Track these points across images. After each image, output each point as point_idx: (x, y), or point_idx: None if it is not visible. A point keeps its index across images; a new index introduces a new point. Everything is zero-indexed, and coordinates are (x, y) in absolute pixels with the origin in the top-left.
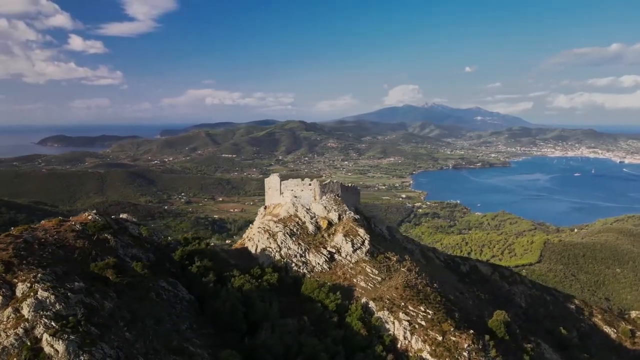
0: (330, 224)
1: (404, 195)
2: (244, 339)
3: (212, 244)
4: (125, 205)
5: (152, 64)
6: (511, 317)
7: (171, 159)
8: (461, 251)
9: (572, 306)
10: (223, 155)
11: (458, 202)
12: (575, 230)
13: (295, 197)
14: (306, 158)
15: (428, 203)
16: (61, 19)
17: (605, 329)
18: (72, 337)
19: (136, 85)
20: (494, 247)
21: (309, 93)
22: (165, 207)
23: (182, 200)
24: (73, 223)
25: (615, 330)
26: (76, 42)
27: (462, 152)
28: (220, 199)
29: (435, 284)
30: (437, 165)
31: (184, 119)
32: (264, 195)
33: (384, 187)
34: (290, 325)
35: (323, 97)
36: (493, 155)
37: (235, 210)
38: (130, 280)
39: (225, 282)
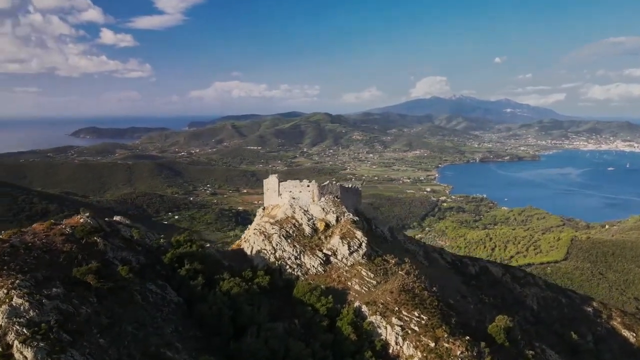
0: (327, 225)
1: (428, 189)
2: (229, 343)
3: (208, 245)
4: (152, 196)
5: (180, 57)
6: (517, 321)
7: (198, 150)
8: (485, 247)
9: (590, 309)
10: (248, 147)
11: (484, 196)
12: (607, 226)
13: (294, 198)
14: (331, 150)
15: (453, 197)
16: (93, 14)
17: (624, 333)
18: (41, 344)
19: (165, 77)
20: (519, 243)
21: (334, 85)
22: (191, 199)
23: (208, 191)
24: (63, 226)
25: (634, 335)
26: (107, 36)
27: (490, 145)
28: (245, 191)
29: (434, 288)
30: (464, 158)
31: (211, 111)
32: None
33: (408, 181)
34: (277, 329)
35: (349, 89)
36: (522, 148)
37: (260, 202)
38: (112, 285)
39: (214, 285)
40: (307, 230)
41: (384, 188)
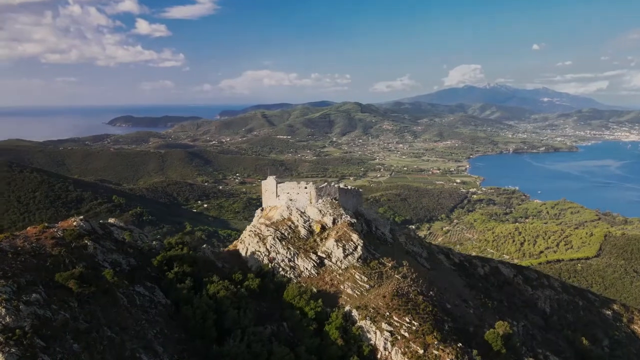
0: (323, 228)
1: (458, 180)
2: (212, 346)
3: (205, 245)
4: (182, 184)
5: (213, 46)
6: (522, 326)
7: (228, 139)
8: (513, 241)
9: (609, 312)
10: (278, 136)
11: (516, 188)
12: None
13: (291, 200)
14: (360, 140)
15: (484, 189)
16: (129, 4)
17: None
18: (13, 349)
19: (197, 67)
20: (549, 238)
21: (365, 74)
22: (220, 187)
23: (237, 180)
24: (55, 230)
25: None
26: (142, 26)
27: (525, 136)
28: None
29: (431, 292)
30: (497, 149)
31: (242, 100)
32: (316, 177)
33: (438, 172)
34: (262, 333)
35: (380, 78)
36: (559, 139)
37: None
38: (94, 290)
39: (202, 288)
40: (303, 232)
41: (412, 179)
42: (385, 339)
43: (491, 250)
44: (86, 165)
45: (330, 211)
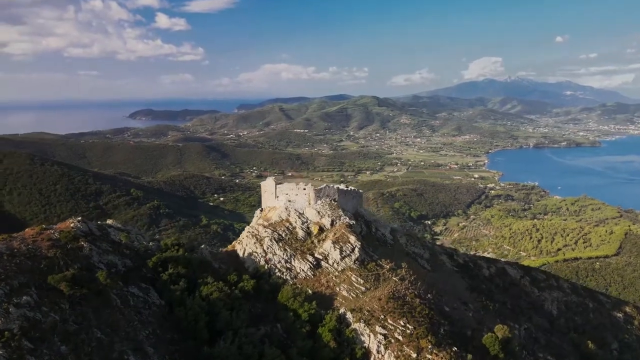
0: (321, 229)
1: (476, 175)
2: (203, 347)
3: (203, 246)
4: (199, 178)
5: (231, 40)
6: (524, 330)
7: (246, 133)
8: (530, 238)
9: (620, 314)
10: (295, 130)
11: (536, 184)
12: None
13: (290, 201)
14: (377, 134)
15: (502, 184)
16: None
17: None
18: (0, 351)
19: (216, 60)
20: (567, 235)
21: (384, 67)
22: (237, 181)
23: (253, 174)
24: (52, 231)
25: None
26: (162, 20)
27: (546, 130)
28: (290, 174)
29: (429, 295)
30: (517, 144)
31: (260, 94)
32: (332, 171)
33: (456, 166)
34: (254, 334)
35: (398, 71)
36: (581, 133)
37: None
38: (86, 292)
39: (196, 289)
40: (301, 233)
41: (429, 173)
42: (378, 342)
43: (508, 247)
44: (106, 158)
45: (329, 212)
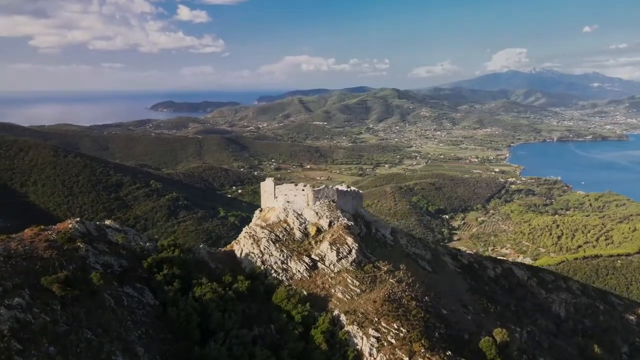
0: (319, 230)
1: (497, 169)
2: (194, 348)
3: (202, 245)
4: (218, 170)
5: (252, 32)
6: (526, 333)
7: (265, 125)
8: (550, 234)
9: (633, 317)
10: (314, 122)
11: (558, 178)
12: None
13: (288, 202)
14: (397, 127)
15: (523, 178)
16: None
17: None
18: None
19: (237, 52)
20: (589, 232)
21: (405, 59)
22: (255, 173)
23: (272, 166)
24: (50, 232)
25: None
26: (184, 12)
27: (571, 123)
28: (308, 167)
29: (426, 297)
30: (540, 137)
31: (280, 85)
32: (351, 164)
33: (476, 160)
34: (245, 336)
35: (420, 62)
36: (608, 127)
37: (322, 177)
38: (79, 293)
39: (190, 290)
40: (298, 234)
41: (449, 167)
42: (371, 344)
43: (526, 243)
44: (128, 149)
45: (327, 213)
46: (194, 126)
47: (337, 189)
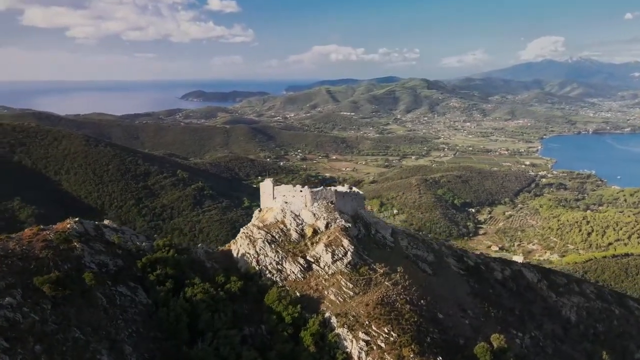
0: (315, 232)
1: (527, 162)
2: (182, 348)
3: (200, 245)
4: (244, 160)
5: (281, 21)
6: (529, 338)
7: (292, 115)
8: (580, 231)
9: None
10: (342, 112)
11: (592, 172)
12: None
13: (286, 202)
14: (425, 118)
15: (555, 172)
16: None
17: None
18: None
19: (266, 42)
20: (620, 229)
21: (435, 48)
22: (281, 163)
23: (298, 156)
24: (48, 232)
25: None
26: (214, 2)
27: (609, 115)
28: (334, 157)
29: (422, 300)
30: (574, 129)
31: (308, 75)
32: (377, 155)
33: (506, 152)
34: (233, 336)
35: (451, 52)
36: None
37: (347, 169)
38: (69, 293)
39: (182, 290)
40: (294, 235)
41: (477, 159)
42: (360, 348)
43: (554, 239)
44: (158, 139)
45: (325, 215)
46: (223, 116)
47: (336, 190)
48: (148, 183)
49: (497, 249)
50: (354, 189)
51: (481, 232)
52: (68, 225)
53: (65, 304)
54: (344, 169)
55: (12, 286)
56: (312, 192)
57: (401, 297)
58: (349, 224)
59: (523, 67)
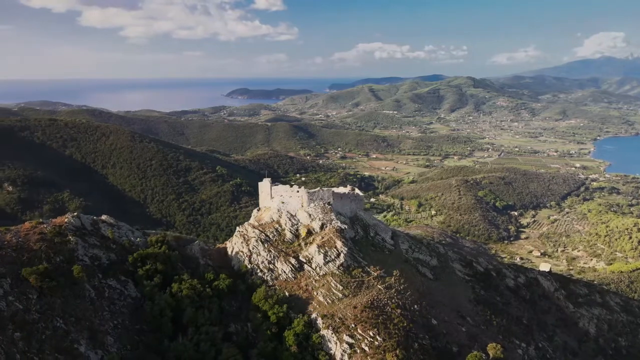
0: (310, 232)
1: (577, 165)
2: (164, 341)
3: (197, 241)
4: (283, 157)
5: (325, 19)
6: (534, 349)
7: (334, 113)
8: (630, 238)
9: None
10: (384, 111)
11: None
12: None
13: (283, 202)
14: (470, 117)
15: (607, 175)
16: None
17: None
18: None
19: (310, 40)
20: None
21: (484, 45)
22: (320, 161)
23: (338, 155)
24: (45, 226)
25: None
26: (260, 1)
27: None
28: (374, 156)
29: (416, 305)
30: (632, 130)
31: (352, 73)
32: (418, 154)
33: (555, 154)
34: (215, 332)
35: (501, 49)
36: None
37: (387, 168)
38: (55, 284)
39: (170, 285)
40: (289, 235)
41: (523, 161)
42: (343, 350)
43: (602, 246)
44: (202, 135)
45: (320, 216)
46: (266, 113)
47: (333, 191)
48: (188, 178)
49: (539, 254)
50: (356, 190)
51: (523, 236)
52: (65, 220)
53: (51, 295)
54: (383, 168)
55: (2, 276)
56: (308, 192)
57: (393, 301)
58: (344, 226)
59: (578, 64)
